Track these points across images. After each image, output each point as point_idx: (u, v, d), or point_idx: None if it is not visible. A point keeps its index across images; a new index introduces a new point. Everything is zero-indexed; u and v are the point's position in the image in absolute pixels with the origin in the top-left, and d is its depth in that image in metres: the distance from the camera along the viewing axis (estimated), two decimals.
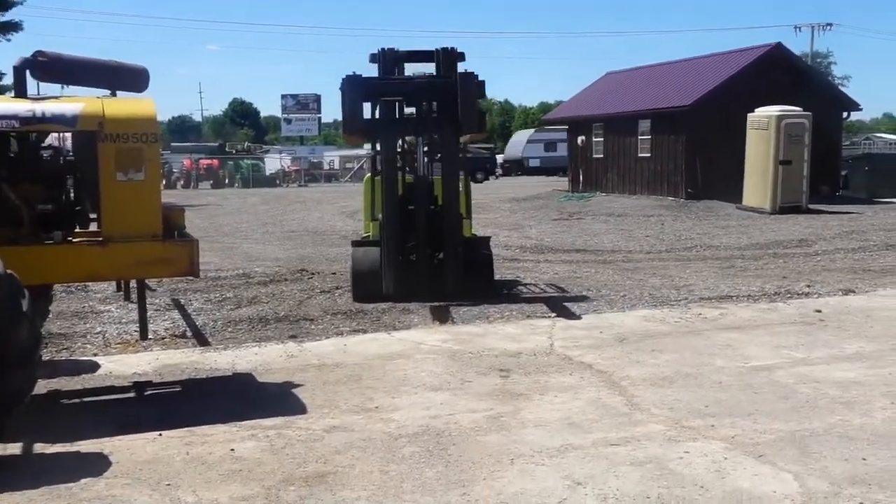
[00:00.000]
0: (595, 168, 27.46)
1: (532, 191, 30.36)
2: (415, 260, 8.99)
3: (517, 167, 51.72)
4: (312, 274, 10.75)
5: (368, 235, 9.49)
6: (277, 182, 45.41)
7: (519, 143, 54.49)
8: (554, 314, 8.01)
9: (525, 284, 10.08)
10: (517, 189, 32.58)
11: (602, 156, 27.11)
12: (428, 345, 6.63)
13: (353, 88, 8.28)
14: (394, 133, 8.70)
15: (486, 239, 9.34)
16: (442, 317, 8.01)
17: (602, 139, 27.10)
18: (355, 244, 9.24)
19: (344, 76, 8.43)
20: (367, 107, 8.80)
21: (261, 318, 8.09)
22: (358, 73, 8.45)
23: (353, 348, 6.58)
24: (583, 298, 8.93)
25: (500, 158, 66.46)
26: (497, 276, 9.96)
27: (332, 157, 58.01)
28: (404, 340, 6.82)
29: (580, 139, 27.88)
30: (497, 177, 47.67)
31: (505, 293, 9.38)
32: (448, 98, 8.45)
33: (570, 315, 7.96)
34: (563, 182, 33.36)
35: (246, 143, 57.08)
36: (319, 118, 71.54)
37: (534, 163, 51.37)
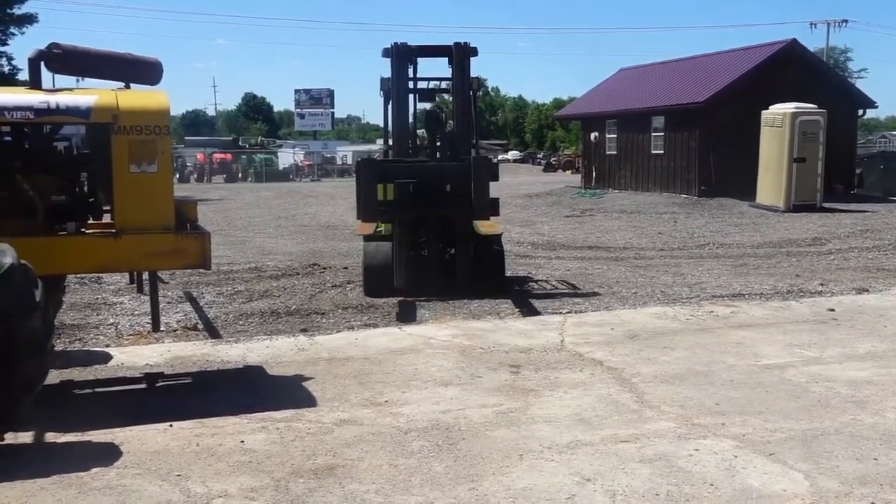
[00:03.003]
0: (608, 164, 27.36)
1: (545, 187, 30.29)
2: (426, 255, 9.00)
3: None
4: (324, 268, 10.80)
5: (381, 230, 9.53)
6: (290, 177, 45.52)
7: None
8: (565, 310, 8.02)
9: (536, 281, 10.09)
10: (530, 185, 32.53)
11: (615, 152, 27.00)
12: (438, 340, 6.64)
13: (367, 172, 8.37)
14: (409, 214, 8.78)
15: (498, 235, 9.35)
16: (453, 312, 8.03)
17: (615, 135, 26.99)
18: (367, 239, 9.27)
19: (359, 160, 8.61)
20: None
21: (272, 312, 8.13)
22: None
23: (364, 342, 6.60)
24: (594, 295, 8.93)
25: (513, 155, 66.42)
26: (508, 273, 9.96)
27: (344, 152, 58.09)
28: (415, 335, 6.82)
29: (593, 135, 27.80)
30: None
31: (516, 289, 9.38)
32: (461, 181, 8.53)
33: (582, 311, 7.96)
34: (576, 179, 33.28)
35: (259, 138, 57.35)
36: (332, 113, 71.62)
37: None
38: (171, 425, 4.67)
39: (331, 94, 70.12)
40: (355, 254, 11.96)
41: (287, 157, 50.54)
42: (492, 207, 8.64)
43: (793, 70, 22.29)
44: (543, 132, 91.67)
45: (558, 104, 79.73)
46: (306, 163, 50.22)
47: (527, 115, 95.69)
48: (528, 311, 8.09)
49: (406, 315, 7.96)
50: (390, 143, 9.49)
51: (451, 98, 9.95)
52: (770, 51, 23.04)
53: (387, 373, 5.76)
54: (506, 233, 13.65)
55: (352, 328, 7.37)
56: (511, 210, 21.24)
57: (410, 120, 9.81)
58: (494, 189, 8.87)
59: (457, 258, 8.91)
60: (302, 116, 69.07)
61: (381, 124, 9.79)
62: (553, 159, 62.41)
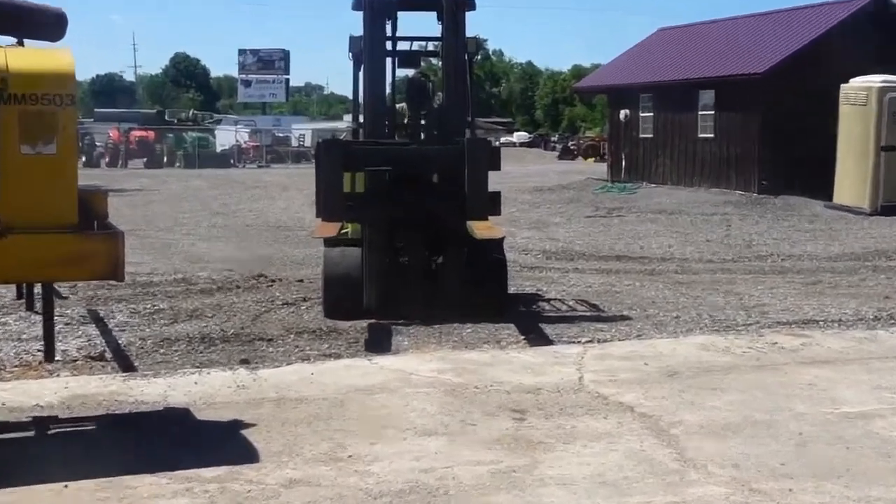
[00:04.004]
0: (642, 151, 27.50)
1: (560, 179, 30.39)
2: (406, 265, 9.00)
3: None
4: (273, 281, 10.79)
5: (347, 232, 9.52)
6: (231, 161, 45.51)
7: None
8: (585, 339, 8.01)
9: (549, 300, 10.11)
10: (541, 176, 32.63)
11: (651, 136, 27.14)
12: (420, 375, 6.60)
13: (331, 157, 8.36)
14: (384, 212, 8.81)
15: (499, 240, 9.34)
16: (439, 339, 8.02)
17: (651, 114, 27.14)
18: (329, 243, 9.26)
19: (320, 141, 8.61)
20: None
21: (204, 337, 8.10)
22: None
23: (323, 378, 6.55)
24: (623, 319, 8.95)
25: (519, 138, 66.71)
26: (512, 289, 9.96)
27: (302, 131, 58.18)
28: (389, 369, 6.78)
29: (623, 113, 27.94)
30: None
31: (522, 310, 9.39)
32: (452, 169, 8.58)
33: (606, 340, 7.96)
34: (600, 169, 33.42)
35: (191, 112, 57.28)
36: (287, 80, 71.79)
37: None
38: (66, 486, 4.60)
39: (285, 56, 70.23)
40: (313, 262, 11.89)
41: (227, 136, 50.57)
42: (491, 204, 8.66)
43: (881, 33, 22.39)
44: (559, 109, 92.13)
45: (578, 73, 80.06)
46: (252, 144, 50.23)
47: (538, 86, 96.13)
48: (537, 338, 8.07)
49: (379, 343, 7.94)
50: (361, 119, 9.51)
51: (440, 63, 9.95)
52: (851, 7, 23.23)
53: (352, 418, 5.71)
54: (509, 237, 13.63)
55: (307, 359, 7.34)
56: (517, 208, 21.23)
57: (388, 90, 9.80)
58: (495, 180, 8.86)
59: (445, 269, 8.91)
60: (247, 84, 69.16)
61: (350, 96, 9.82)
62: (571, 144, 62.65)
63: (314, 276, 10.69)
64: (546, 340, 8.02)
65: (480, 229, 8.91)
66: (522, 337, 8.14)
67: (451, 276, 8.85)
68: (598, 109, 75.88)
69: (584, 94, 58.04)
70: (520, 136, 77.85)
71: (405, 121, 9.90)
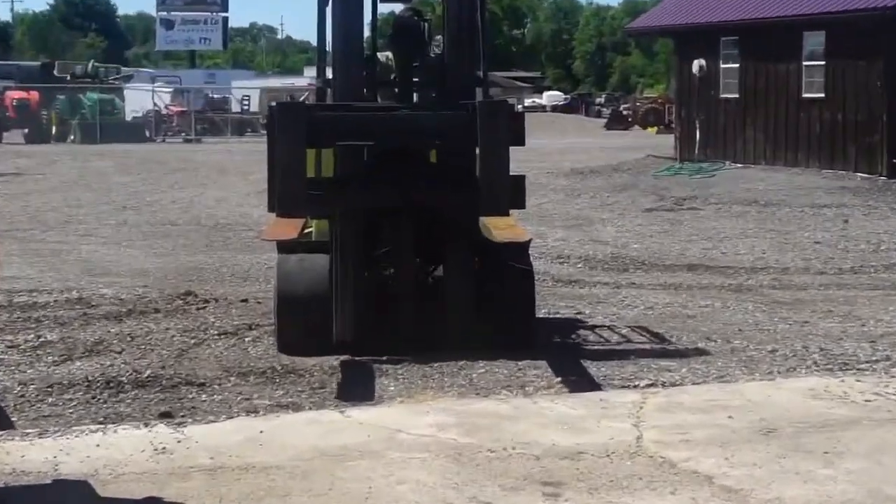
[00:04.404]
0: (724, 118, 27.47)
1: (609, 157, 30.33)
2: (393, 278, 8.98)
3: None
4: (205, 301, 10.81)
5: (310, 233, 9.50)
6: (147, 134, 45.54)
7: None
8: (644, 382, 8.02)
9: (593, 327, 10.12)
10: (582, 153, 32.57)
11: (737, 96, 27.12)
12: (413, 434, 6.57)
13: (289, 127, 8.36)
14: (362, 203, 8.80)
15: (523, 245, 9.32)
16: (439, 383, 8.01)
17: (737, 65, 27.09)
18: (285, 249, 9.26)
19: (273, 104, 8.66)
20: None
21: (109, 381, 8.07)
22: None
23: (277, 438, 6.52)
24: (698, 354, 8.95)
25: (551, 99, 66.88)
26: (542, 311, 9.99)
27: (246, 91, 58.07)
28: (371, 425, 6.75)
29: (697, 65, 27.93)
30: None
31: (556, 342, 9.41)
32: (458, 147, 8.61)
33: (674, 384, 7.96)
34: (665, 142, 33.33)
35: (91, 64, 57.22)
36: (225, 20, 71.81)
37: None
38: None
39: None
40: (263, 275, 11.92)
41: (141, 98, 50.49)
42: (513, 193, 8.65)
43: None
44: (607, 59, 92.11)
45: (634, 8, 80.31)
46: (176, 109, 50.20)
47: (577, 27, 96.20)
48: (578, 381, 8.06)
49: (355, 388, 7.95)
50: (329, 75, 9.49)
51: None
52: None
53: (318, 495, 5.69)
54: (538, 239, 13.61)
55: (254, 412, 7.31)
56: (548, 198, 21.19)
57: (367, 33, 9.80)
58: (518, 159, 8.84)
59: (448, 284, 8.92)
60: (169, 26, 69.18)
61: (314, 42, 9.82)
62: (624, 108, 62.78)
63: (264, 293, 10.66)
64: (590, 384, 8.00)
65: (499, 229, 8.89)
66: (557, 379, 8.12)
67: (457, 294, 8.83)
68: (662, 60, 76.02)
69: (642, 39, 58.14)
70: (552, 96, 78.01)
71: (391, 77, 9.88)
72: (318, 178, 8.87)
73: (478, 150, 8.39)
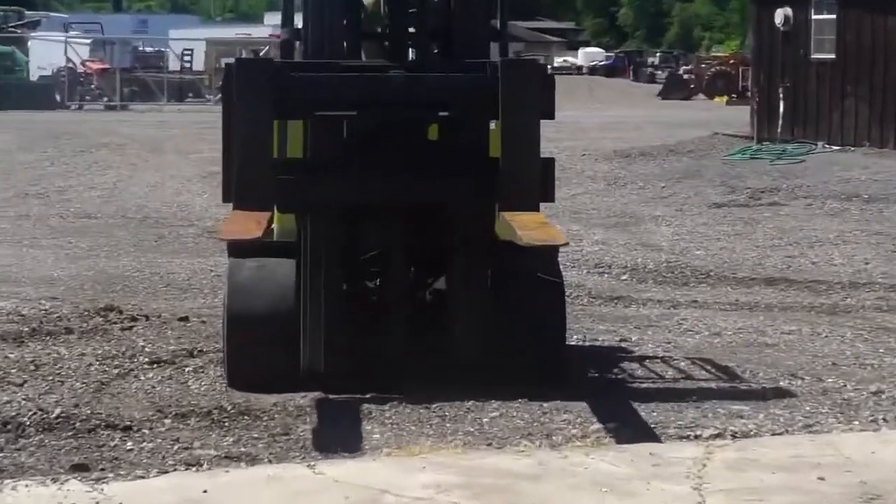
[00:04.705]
0: (816, 86, 27.48)
1: (664, 134, 30.36)
2: (379, 292, 8.99)
3: None
4: (132, 319, 10.82)
5: (272, 229, 9.45)
6: (58, 98, 45.63)
7: None
8: (709, 431, 7.99)
9: (642, 359, 10.13)
10: (630, 129, 32.60)
11: (832, 56, 27.11)
12: (405, 497, 6.54)
13: (252, 90, 8.39)
14: (343, 195, 8.81)
15: (550, 250, 9.27)
16: (440, 429, 8.01)
17: (834, 16, 27.06)
18: (238, 252, 9.21)
19: (231, 61, 8.63)
20: None
21: (6, 423, 8.06)
22: None
23: (225, 500, 6.49)
24: (780, 396, 8.93)
25: (589, 58, 67.23)
26: (575, 337, 10.04)
27: (188, 44, 58.22)
28: (348, 485, 6.72)
29: (781, 16, 27.92)
30: None
31: (593, 377, 9.43)
32: (468, 116, 8.68)
33: (749, 434, 7.94)
34: (739, 116, 33.32)
35: None
36: None
37: None
38: None
39: None
40: (208, 285, 11.91)
41: (50, 51, 50.63)
42: (543, 185, 8.69)
43: None
44: (662, 6, 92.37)
45: None
46: (97, 66, 50.30)
47: None
48: (621, 429, 8.02)
49: (328, 435, 7.92)
50: (300, 24, 9.47)
51: None
52: None
53: None
54: (573, 241, 13.61)
55: (195, 464, 7.31)
56: (584, 188, 21.23)
57: None
58: (545, 137, 8.79)
59: (451, 300, 8.90)
60: None
61: None
62: (685, 69, 62.94)
63: (210, 309, 10.65)
64: (637, 433, 7.93)
65: (526, 229, 8.75)
66: (593, 426, 8.07)
67: (463, 314, 8.80)
68: (735, 8, 76.27)
69: None
70: (590, 54, 78.34)
71: (379, 28, 9.86)
72: (287, 159, 8.83)
73: (500, 124, 8.36)
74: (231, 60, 9.26)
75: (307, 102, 8.70)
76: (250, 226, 8.82)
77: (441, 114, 8.93)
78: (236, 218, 8.81)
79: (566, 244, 9.47)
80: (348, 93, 8.73)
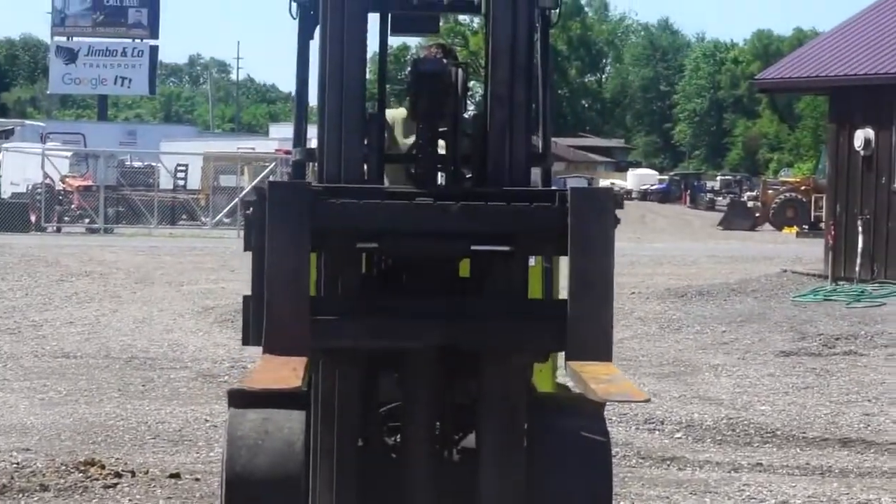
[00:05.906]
0: None
1: (725, 270, 30.34)
2: (399, 450, 9.01)
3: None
4: (116, 475, 10.76)
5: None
6: (33, 219, 45.76)
7: None
8: None
9: None
10: (685, 264, 32.62)
11: None
12: None
13: (292, 217, 8.30)
14: (360, 342, 8.86)
15: (595, 406, 9.30)
16: None
17: None
18: (240, 401, 9.24)
19: (265, 183, 8.80)
20: None
21: None
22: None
23: None
24: None
25: (639, 180, 67.49)
26: None
27: (183, 159, 58.36)
28: None
29: (862, 137, 27.98)
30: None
31: None
32: (535, 251, 8.78)
33: None
34: (812, 251, 33.32)
35: None
36: (154, 50, 72.66)
37: None
38: None
39: (153, 5, 71.27)
40: (204, 437, 11.91)
41: (25, 165, 50.86)
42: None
43: None
44: (724, 122, 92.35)
45: (766, 49, 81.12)
46: (77, 183, 50.41)
47: (680, 74, 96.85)
48: None
49: None
50: (315, 142, 9.52)
51: (480, 27, 10.03)
52: None
53: None
54: (651, 399, 13.59)
55: None
56: (633, 331, 21.21)
57: (367, 75, 9.87)
58: None
59: (481, 457, 8.86)
60: (70, 57, 70.11)
61: (286, 87, 9.95)
62: (750, 196, 62.95)
63: (205, 465, 10.67)
64: None
65: (595, 378, 8.71)
66: None
67: (497, 480, 8.78)
68: (808, 127, 76.54)
69: (779, 95, 58.51)
70: (641, 177, 78.43)
71: (411, 149, 9.88)
72: (316, 297, 8.89)
73: (570, 263, 8.41)
74: (265, 183, 9.17)
75: (346, 234, 8.69)
76: (285, 373, 8.84)
77: (502, 248, 8.91)
78: (268, 364, 8.81)
79: (648, 400, 9.46)
80: (384, 219, 8.73)
